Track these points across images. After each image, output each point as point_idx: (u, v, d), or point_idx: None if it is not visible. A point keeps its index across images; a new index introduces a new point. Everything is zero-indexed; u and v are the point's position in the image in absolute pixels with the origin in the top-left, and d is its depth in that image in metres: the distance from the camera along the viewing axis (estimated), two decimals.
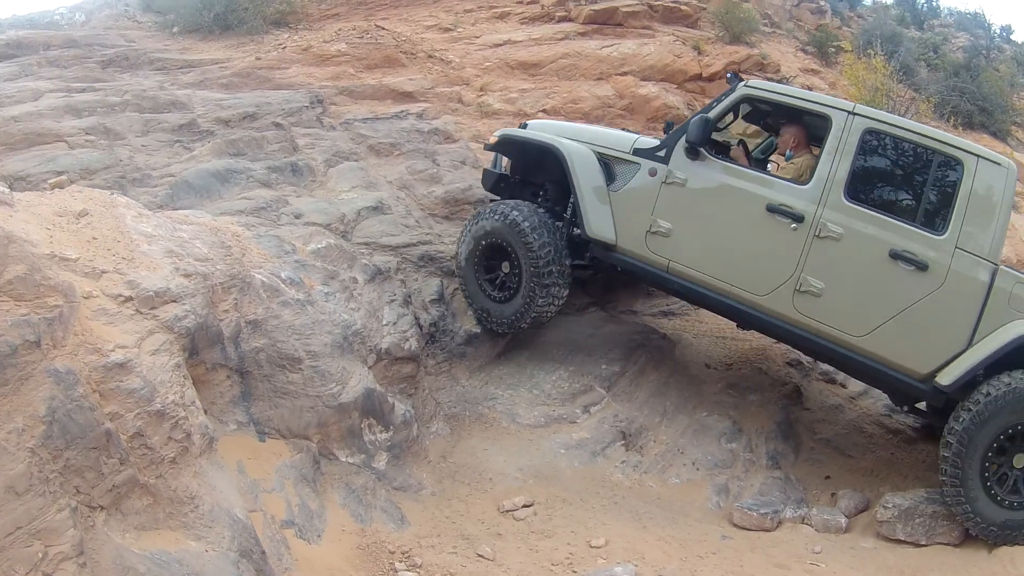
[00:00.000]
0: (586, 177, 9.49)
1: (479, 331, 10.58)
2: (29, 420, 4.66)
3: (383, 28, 16.36)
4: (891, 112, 15.96)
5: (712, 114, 9.18)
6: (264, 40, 16.43)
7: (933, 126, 16.54)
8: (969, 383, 8.10)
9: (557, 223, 9.95)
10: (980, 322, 8.04)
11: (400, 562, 7.15)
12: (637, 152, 9.50)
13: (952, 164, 8.27)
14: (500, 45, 16.93)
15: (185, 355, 6.40)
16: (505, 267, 9.99)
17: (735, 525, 8.79)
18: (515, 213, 9.74)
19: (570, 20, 18.80)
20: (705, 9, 20.09)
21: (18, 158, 10.71)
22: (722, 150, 9.75)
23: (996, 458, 7.99)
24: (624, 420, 10.03)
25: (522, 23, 19.03)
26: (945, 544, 8.55)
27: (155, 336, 6.05)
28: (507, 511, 8.42)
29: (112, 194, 7.64)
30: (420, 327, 10.01)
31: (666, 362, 11.21)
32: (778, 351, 11.91)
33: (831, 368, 11.62)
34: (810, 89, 17.61)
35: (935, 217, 8.31)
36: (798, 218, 8.54)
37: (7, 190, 6.21)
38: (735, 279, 8.92)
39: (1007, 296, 7.98)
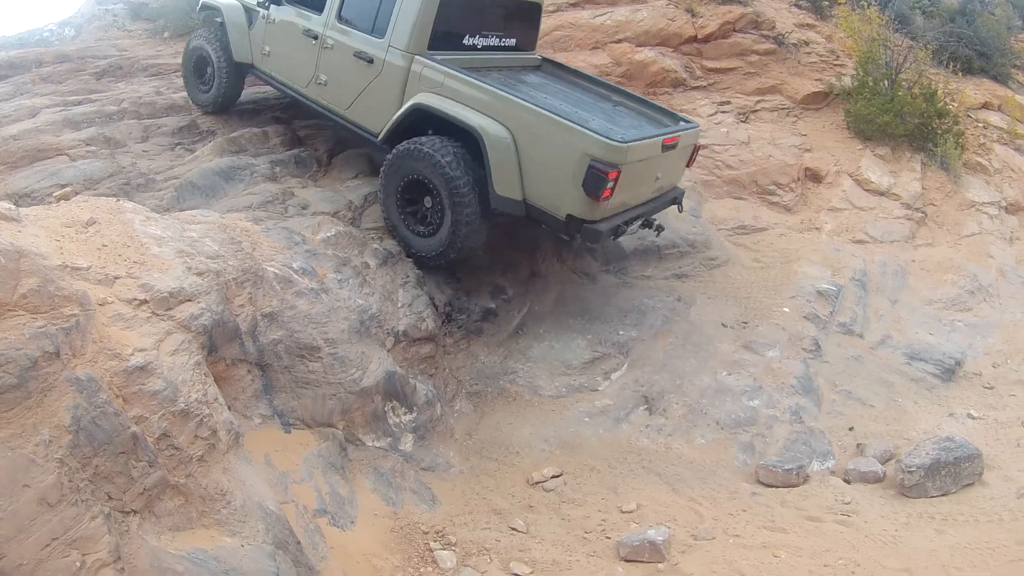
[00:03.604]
0: (233, 22, 12.64)
1: (494, 306, 10.66)
2: (55, 430, 4.69)
3: None
4: (889, 62, 16.08)
5: None
6: None
7: (932, 73, 16.64)
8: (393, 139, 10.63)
9: None
10: (404, 96, 10.55)
11: (435, 541, 7.20)
12: (259, 3, 12.32)
13: None
14: None
15: (204, 353, 6.42)
16: (209, 71, 13.20)
17: (761, 483, 8.80)
18: (204, 37, 13.18)
19: None
20: None
21: (21, 175, 10.78)
22: None
23: (411, 204, 10.41)
24: (645, 384, 10.06)
25: None
26: (970, 485, 8.63)
27: (173, 336, 6.04)
28: (537, 483, 8.45)
29: (118, 200, 7.62)
30: (435, 307, 10.04)
31: (682, 324, 11.24)
32: (795, 306, 11.90)
33: (848, 319, 12.13)
34: (807, 44, 17.69)
35: (381, 27, 10.78)
36: (315, 37, 11.45)
37: (12, 207, 6.19)
38: (293, 78, 12.00)
39: (418, 77, 10.42)
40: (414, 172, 10.03)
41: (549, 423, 9.39)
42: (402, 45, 10.51)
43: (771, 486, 8.73)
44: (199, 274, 6.80)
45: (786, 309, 11.93)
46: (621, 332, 10.70)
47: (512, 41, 12.22)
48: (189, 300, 6.43)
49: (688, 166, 11.58)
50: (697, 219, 13.69)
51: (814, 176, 15.62)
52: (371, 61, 10.78)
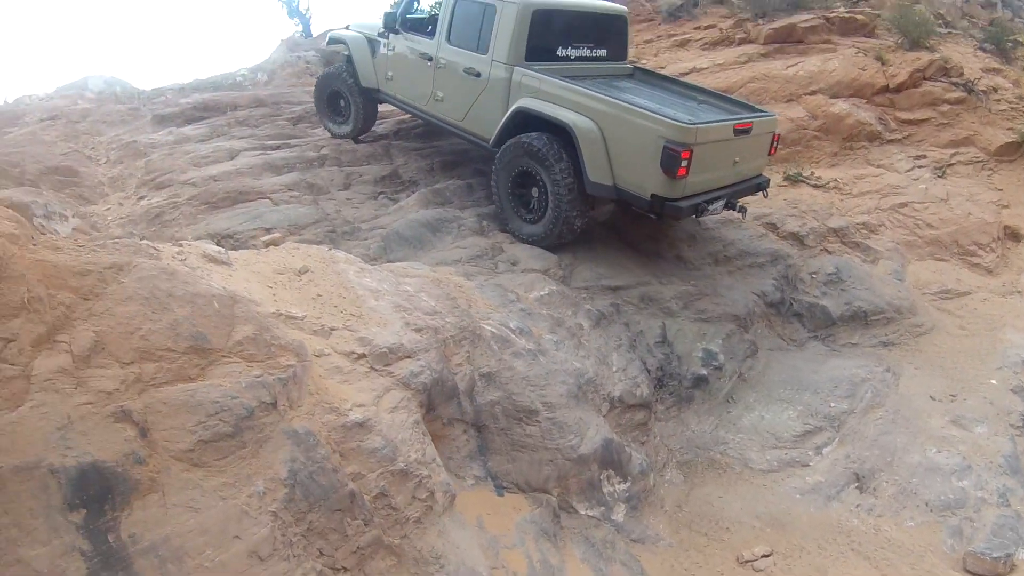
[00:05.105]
0: (358, 53, 14.41)
1: (705, 373, 10.32)
2: (270, 483, 4.64)
3: None
4: None
5: (396, 10, 13.92)
6: None
7: None
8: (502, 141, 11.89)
9: None
10: (508, 103, 11.81)
11: None
12: (379, 34, 14.02)
13: (492, 9, 12.15)
14: (686, 73, 16.83)
15: (423, 411, 6.34)
16: (342, 103, 15.07)
17: (968, 572, 8.39)
18: (341, 70, 14.95)
19: (751, 42, 18.98)
20: (879, 16, 19.89)
21: (223, 216, 11.05)
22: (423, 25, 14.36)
23: (520, 191, 11.61)
24: (856, 461, 9.64)
25: (704, 49, 19.26)
26: None
27: (392, 393, 5.98)
28: (746, 561, 8.13)
29: (330, 249, 7.62)
30: (648, 372, 9.82)
31: (892, 396, 10.77)
32: (1002, 377, 11.40)
33: None
34: (995, 90, 17.32)
35: (484, 44, 12.21)
36: (430, 59, 13.00)
37: (222, 250, 6.20)
38: (414, 98, 13.58)
39: (519, 85, 11.72)
40: (522, 165, 11.42)
41: (760, 498, 9.04)
42: (503, 58, 11.95)
43: (978, 575, 8.32)
44: (418, 330, 6.76)
45: (993, 381, 11.37)
46: (832, 404, 10.31)
47: (603, 52, 13.67)
48: (408, 357, 6.39)
49: (770, 155, 12.55)
50: (901, 283, 13.29)
51: (1013, 234, 15.07)
52: (478, 75, 12.27)
